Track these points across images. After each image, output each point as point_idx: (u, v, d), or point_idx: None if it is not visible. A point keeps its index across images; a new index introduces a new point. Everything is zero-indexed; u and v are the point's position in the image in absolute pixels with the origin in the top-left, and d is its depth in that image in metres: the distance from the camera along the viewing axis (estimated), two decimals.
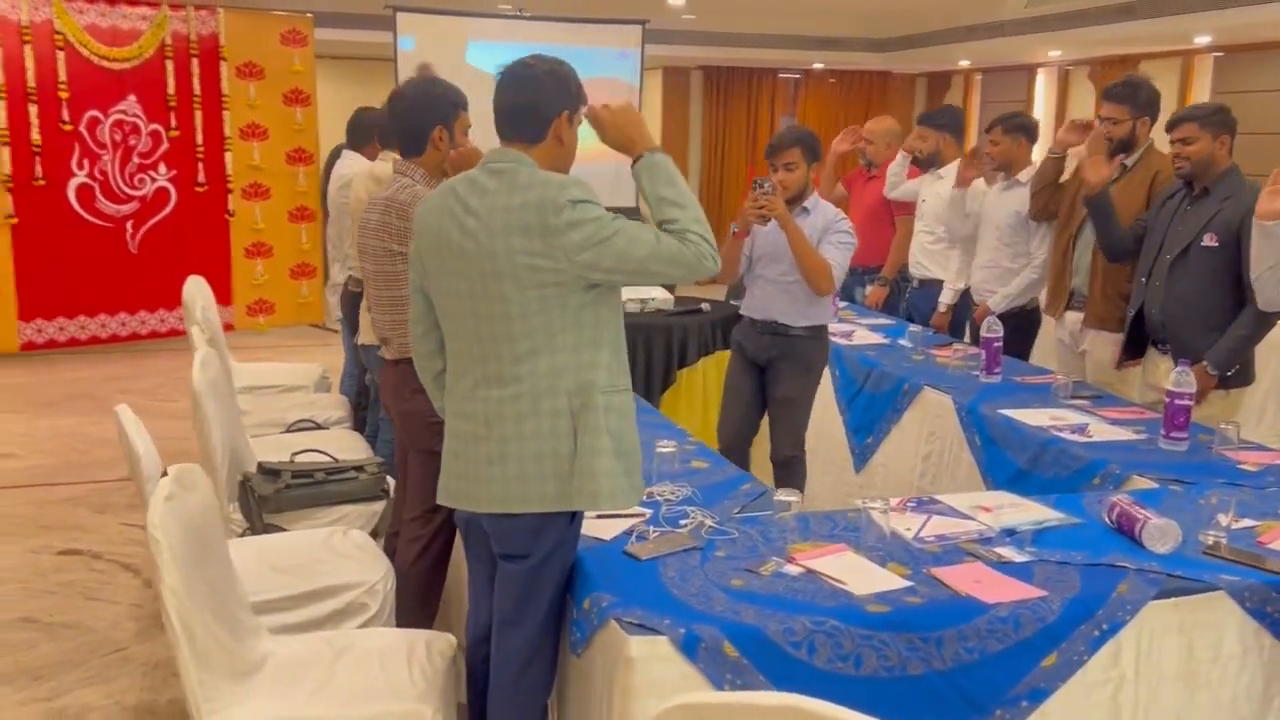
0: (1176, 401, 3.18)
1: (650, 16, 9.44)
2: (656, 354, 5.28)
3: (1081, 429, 3.39)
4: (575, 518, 2.26)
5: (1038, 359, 4.74)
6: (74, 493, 4.96)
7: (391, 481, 3.52)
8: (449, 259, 2.18)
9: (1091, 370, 4.19)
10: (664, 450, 2.97)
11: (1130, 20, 8.31)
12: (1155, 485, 2.90)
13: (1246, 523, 2.58)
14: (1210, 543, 2.42)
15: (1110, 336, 4.06)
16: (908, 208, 5.48)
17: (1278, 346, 4.65)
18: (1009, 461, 3.46)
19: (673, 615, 2.03)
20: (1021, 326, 4.65)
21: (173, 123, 8.00)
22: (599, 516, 2.43)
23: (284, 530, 3.33)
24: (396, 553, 3.07)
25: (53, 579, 4.02)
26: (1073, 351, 4.33)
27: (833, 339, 4.68)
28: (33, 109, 7.44)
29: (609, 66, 9.10)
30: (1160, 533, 2.39)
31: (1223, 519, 2.50)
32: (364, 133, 4.96)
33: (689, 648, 1.97)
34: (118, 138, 7.82)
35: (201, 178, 8.19)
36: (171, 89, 7.94)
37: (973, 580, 2.23)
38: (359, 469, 3.55)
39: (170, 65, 7.92)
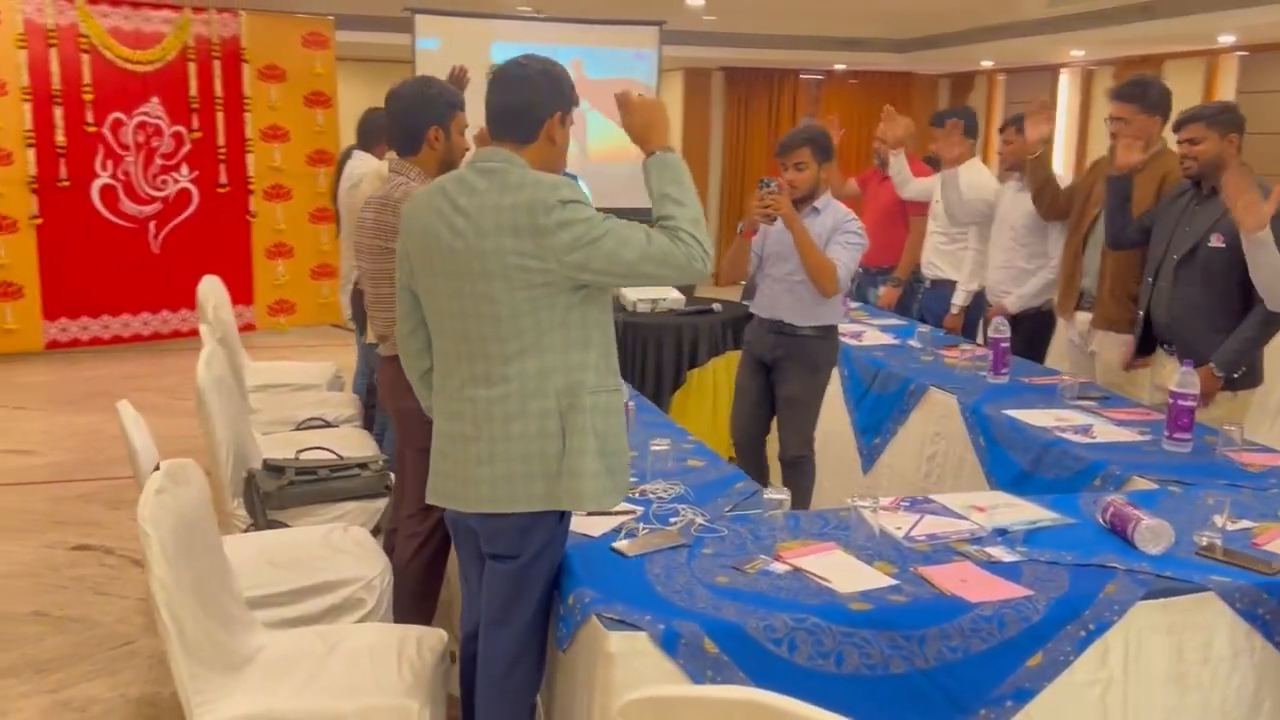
0: (1180, 403, 3.15)
1: (670, 18, 9.45)
2: (667, 354, 5.30)
3: (1085, 430, 3.37)
4: (563, 517, 2.26)
5: (1053, 361, 4.70)
6: (90, 489, 5.03)
7: (395, 479, 3.54)
8: (437, 258, 2.18)
9: (1101, 371, 4.16)
10: (658, 448, 2.98)
11: (1152, 19, 8.22)
12: (1155, 486, 2.87)
13: (1244, 524, 2.56)
14: (1204, 544, 2.40)
15: (1119, 337, 4.02)
16: (922, 208, 5.45)
17: None
18: (1012, 462, 3.44)
19: (654, 611, 2.04)
20: (1037, 328, 4.62)
21: (195, 124, 8.11)
22: (589, 514, 2.44)
23: (286, 526, 3.37)
24: (395, 549, 3.09)
25: (65, 574, 4.08)
26: (1082, 352, 4.30)
27: (842, 339, 4.67)
28: (57, 111, 7.56)
29: (626, 67, 9.13)
30: (1152, 533, 2.37)
31: (1218, 520, 2.48)
32: (373, 133, 5.00)
33: (669, 644, 1.98)
34: (141, 139, 7.92)
35: (223, 179, 8.28)
36: (194, 91, 8.05)
37: (959, 579, 2.23)
38: (362, 466, 3.58)
39: (193, 68, 8.02)
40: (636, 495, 2.68)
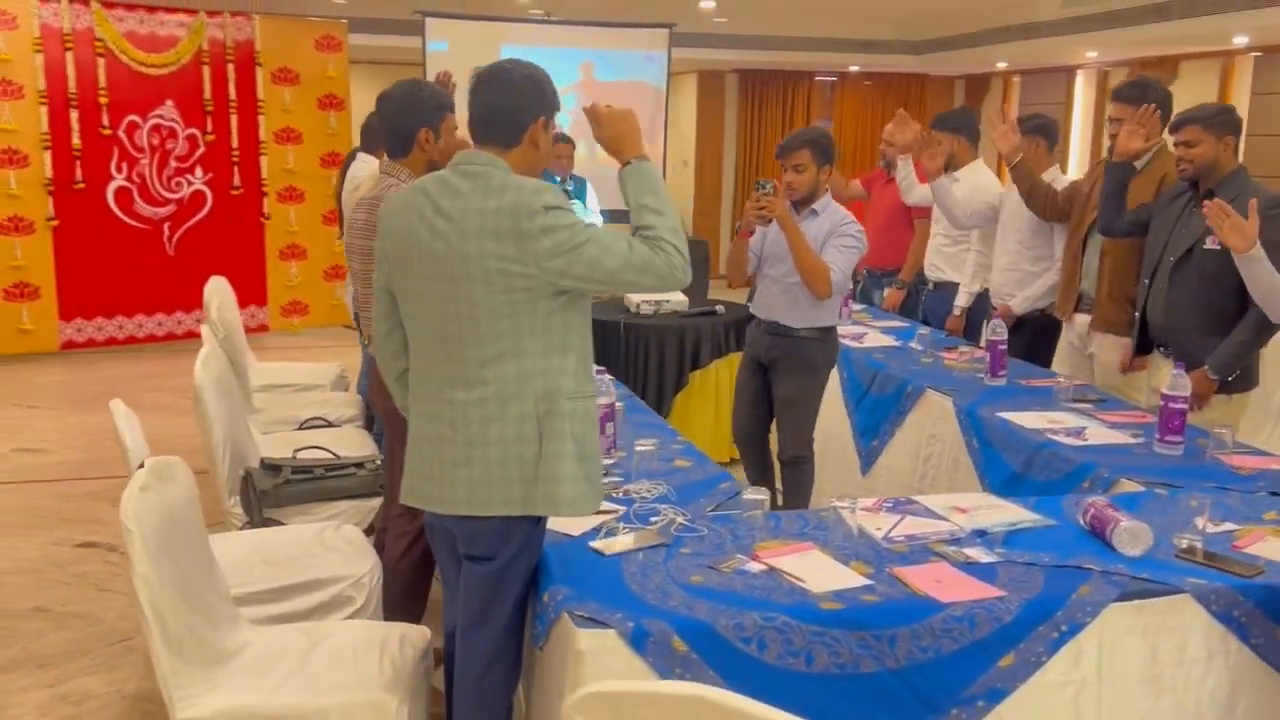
0: (1171, 405, 3.15)
1: (683, 20, 9.47)
2: (670, 355, 5.32)
3: (1078, 432, 3.37)
4: (540, 520, 2.27)
5: (1059, 364, 4.68)
6: (98, 487, 5.09)
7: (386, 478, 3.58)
8: (417, 260, 2.18)
9: (1099, 373, 4.15)
10: (643, 448, 3.00)
11: (1166, 20, 8.18)
12: (1141, 489, 2.87)
13: (1227, 526, 2.55)
14: (1184, 546, 2.39)
15: (1117, 340, 4.02)
16: (926, 210, 5.43)
17: None
18: (1004, 464, 3.44)
19: (625, 609, 2.06)
20: (1042, 331, 4.60)
21: (209, 127, 8.17)
22: None
23: (282, 524, 3.40)
24: (385, 548, 3.12)
25: (69, 570, 4.13)
26: (1081, 354, 4.29)
27: (843, 341, 4.68)
28: (73, 114, 7.65)
29: (636, 69, 9.15)
30: (1130, 535, 2.37)
31: (1199, 522, 2.48)
32: (376, 135, 5.04)
33: (638, 641, 2.00)
34: (155, 142, 8.00)
35: (237, 181, 8.35)
36: (208, 94, 8.11)
37: (933, 580, 2.23)
38: (358, 465, 3.62)
39: (207, 71, 8.09)
40: (620, 495, 2.71)
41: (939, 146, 4.73)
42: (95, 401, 6.68)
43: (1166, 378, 3.22)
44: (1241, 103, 9.31)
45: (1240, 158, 3.76)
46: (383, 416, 3.15)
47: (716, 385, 5.32)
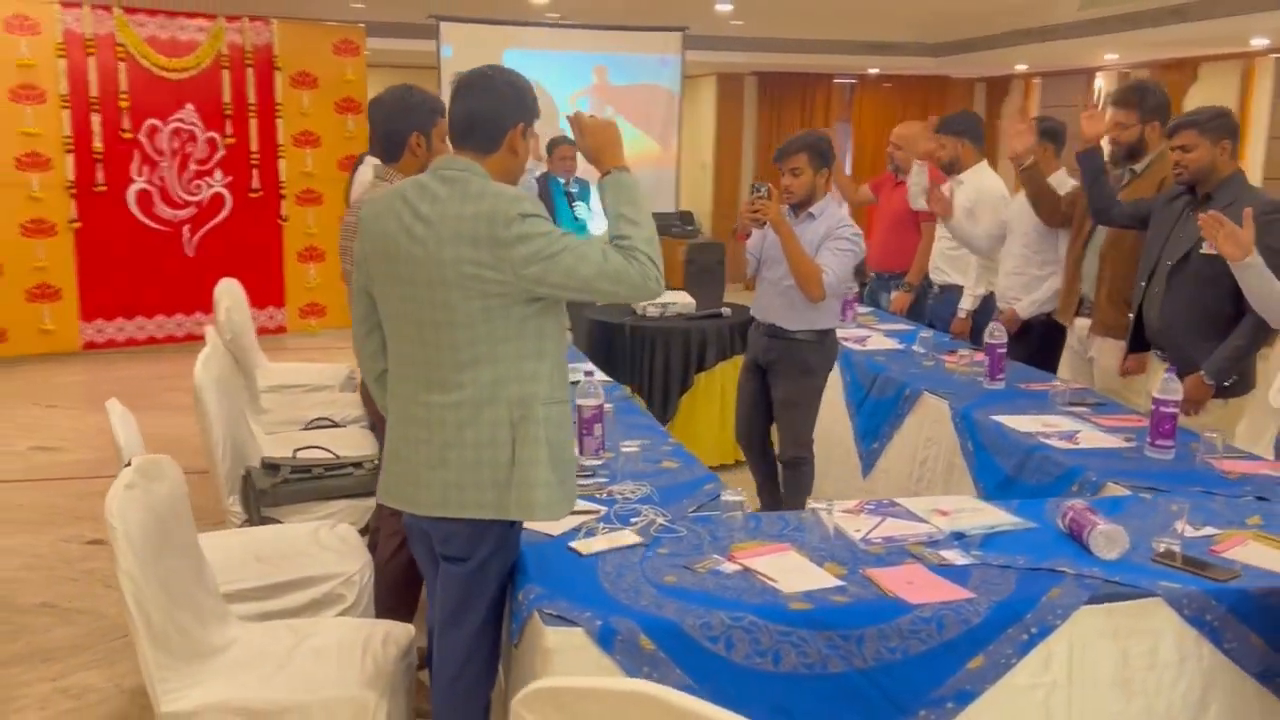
0: (1162, 409, 3.14)
1: (700, 23, 9.49)
2: (675, 358, 5.34)
3: (1070, 436, 3.37)
4: (515, 523, 2.30)
5: (1064, 368, 4.67)
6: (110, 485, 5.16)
7: None
8: (395, 264, 2.21)
9: (1099, 377, 4.15)
10: (632, 450, 3.03)
11: (1184, 22, 8.13)
12: (1128, 493, 2.87)
13: (1208, 530, 2.55)
14: (1161, 550, 2.40)
15: (1116, 344, 4.01)
16: (933, 215, 5.44)
17: None
18: (997, 467, 3.45)
19: (594, 608, 2.09)
20: (1048, 335, 4.59)
21: (228, 130, 8.28)
22: None
23: (279, 522, 3.45)
24: (377, 547, 3.17)
25: (77, 567, 4.21)
26: (1082, 358, 4.28)
27: (845, 344, 4.70)
28: (95, 118, 7.77)
29: (650, 73, 9.18)
30: (1106, 539, 2.38)
31: (1178, 526, 2.48)
32: None
33: (605, 640, 2.03)
34: (175, 145, 8.11)
35: (256, 184, 8.45)
36: (227, 98, 8.22)
37: (905, 581, 2.25)
38: (356, 465, 3.67)
39: (226, 75, 8.20)
40: (603, 495, 2.74)
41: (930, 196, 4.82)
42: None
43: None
44: (1262, 105, 9.24)
45: (1254, 161, 3.75)
46: (375, 416, 3.19)
47: (722, 387, 5.34)
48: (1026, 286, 4.55)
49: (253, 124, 8.36)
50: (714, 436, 5.36)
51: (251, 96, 8.32)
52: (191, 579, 2.50)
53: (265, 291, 8.56)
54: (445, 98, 2.47)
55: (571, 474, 2.30)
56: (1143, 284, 3.73)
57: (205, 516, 4.10)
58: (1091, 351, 4.18)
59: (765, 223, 3.74)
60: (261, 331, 8.36)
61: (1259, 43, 8.56)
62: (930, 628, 2.12)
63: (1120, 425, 3.47)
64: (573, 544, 2.41)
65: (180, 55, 8.04)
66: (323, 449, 3.78)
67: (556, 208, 5.82)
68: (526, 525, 2.40)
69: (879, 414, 4.35)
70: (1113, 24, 8.87)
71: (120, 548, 2.21)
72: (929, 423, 3.95)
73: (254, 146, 8.39)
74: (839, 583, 2.24)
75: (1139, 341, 3.79)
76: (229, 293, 4.93)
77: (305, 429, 4.52)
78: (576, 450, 2.99)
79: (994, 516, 2.63)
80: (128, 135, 7.90)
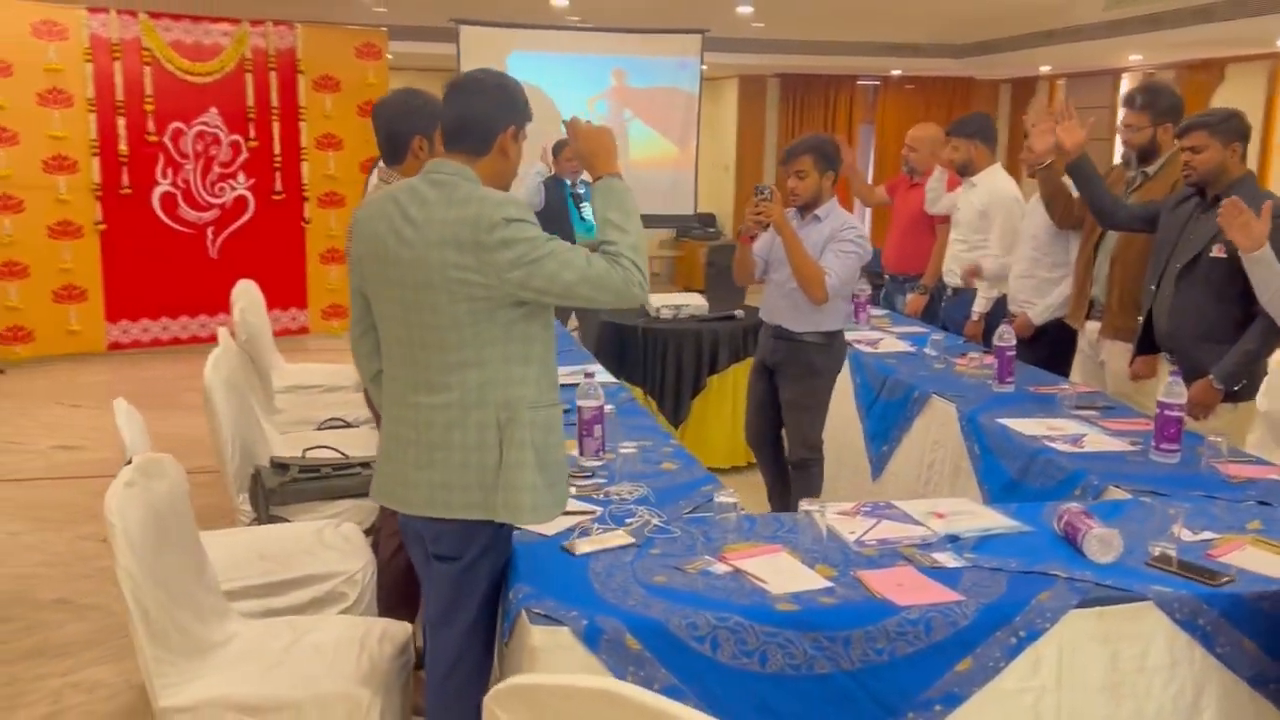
0: (1167, 413, 3.12)
1: (721, 25, 9.49)
2: (687, 360, 5.36)
3: (1076, 439, 3.34)
4: (505, 524, 2.31)
5: (1077, 372, 4.65)
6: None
7: None
8: (385, 266, 2.24)
9: (1110, 380, 4.12)
10: (633, 451, 3.04)
11: (1208, 23, 8.06)
12: (1129, 496, 2.85)
13: (1207, 535, 2.53)
14: (1156, 554, 2.38)
15: (1127, 347, 3.97)
16: (948, 217, 5.42)
17: None
18: (1002, 471, 3.43)
19: (581, 607, 2.10)
20: (1061, 339, 4.56)
21: (252, 133, 8.37)
22: None
23: (287, 521, 3.49)
24: (379, 546, 3.20)
25: (92, 564, 4.27)
26: (1094, 361, 4.26)
27: (857, 346, 4.70)
28: (120, 121, 7.88)
29: (668, 75, 9.19)
30: (1100, 542, 2.37)
31: (1175, 530, 2.46)
32: None
33: (591, 639, 2.04)
34: (199, 148, 8.21)
35: (279, 186, 8.54)
36: (251, 101, 8.31)
37: (895, 583, 2.25)
38: (365, 465, 3.69)
39: (250, 78, 8.29)
40: (600, 496, 2.75)
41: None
42: (136, 400, 6.77)
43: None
44: None
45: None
46: (375, 418, 3.23)
47: (734, 390, 5.35)
48: (1036, 289, 4.52)
49: (276, 127, 8.45)
50: (726, 438, 5.37)
51: (275, 100, 8.41)
52: (191, 576, 2.54)
53: (288, 293, 8.65)
54: None
55: (562, 478, 2.32)
56: (1152, 287, 3.70)
57: (218, 515, 4.17)
58: (1102, 355, 4.16)
59: (769, 225, 3.75)
60: (284, 333, 8.49)
61: None
62: (918, 630, 2.12)
63: (1127, 429, 3.45)
64: (566, 544, 2.43)
65: (205, 59, 8.13)
66: (331, 449, 3.82)
67: (565, 209, 5.85)
68: (532, 524, 2.42)
69: (888, 417, 4.34)
70: (1137, 25, 8.81)
71: (119, 545, 2.25)
72: (936, 426, 3.94)
73: (277, 149, 8.48)
74: (828, 584, 2.24)
75: (1149, 346, 3.77)
76: (245, 294, 5.00)
77: (318, 429, 4.57)
78: (577, 452, 3.03)
79: (990, 519, 2.63)
80: (153, 138, 8.01)
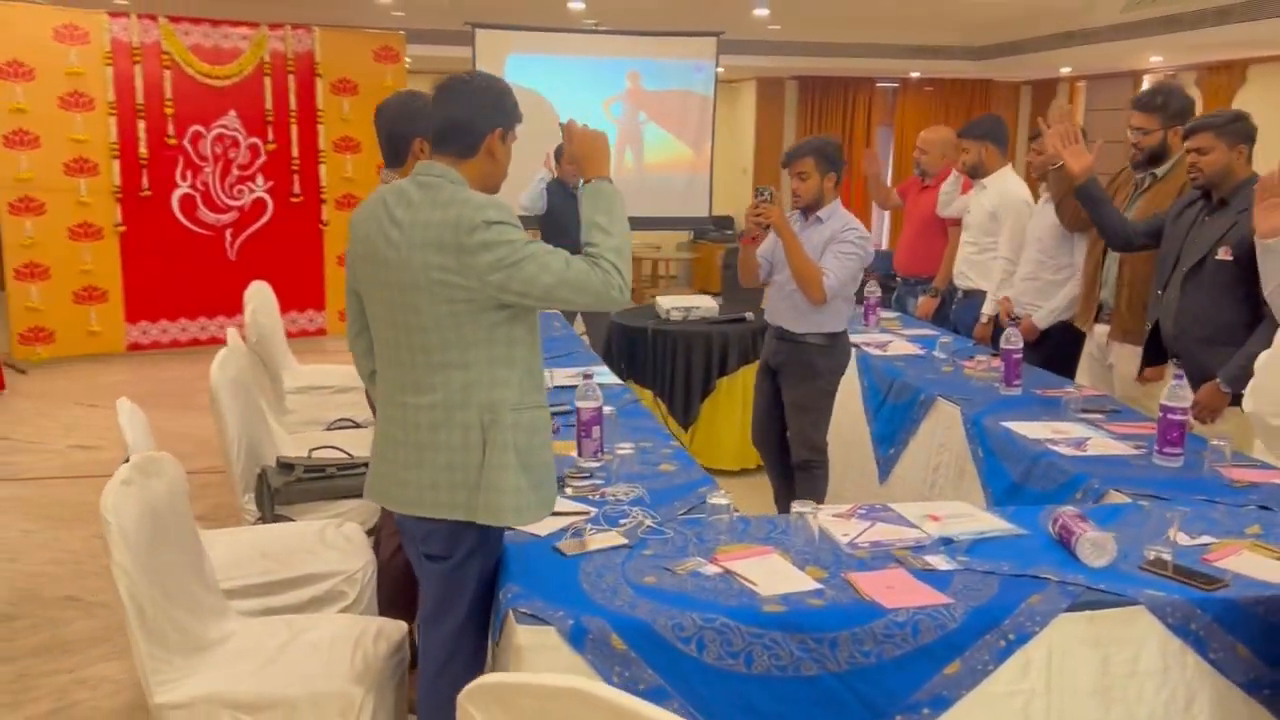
0: (1170, 416, 3.10)
1: (738, 28, 9.49)
2: (697, 362, 5.36)
3: (1080, 443, 3.33)
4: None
5: (1082, 374, 4.62)
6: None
7: None
8: (374, 267, 2.27)
9: (1119, 384, 4.09)
10: (632, 452, 3.05)
11: (1228, 24, 7.99)
12: (1129, 500, 2.83)
13: (1205, 539, 2.52)
14: (1151, 558, 2.37)
15: (1136, 350, 3.95)
16: (961, 219, 5.41)
17: None
18: (1005, 474, 3.42)
19: (568, 607, 2.11)
20: (1064, 342, 4.54)
21: (270, 136, 8.43)
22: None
23: (291, 520, 3.52)
24: (380, 545, 3.22)
25: (102, 562, 4.25)
26: (1102, 364, 4.23)
27: (866, 348, 4.69)
28: (141, 124, 7.96)
29: (683, 78, 9.19)
30: (1094, 546, 2.35)
31: (1171, 534, 2.45)
32: None
33: (576, 639, 2.05)
34: (218, 151, 8.28)
35: (297, 189, 8.60)
36: (269, 104, 8.38)
37: (884, 586, 2.24)
38: (368, 465, 3.71)
39: (268, 82, 8.35)
40: (596, 497, 2.76)
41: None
42: (154, 400, 6.92)
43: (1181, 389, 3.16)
44: None
45: None
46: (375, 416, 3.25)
47: (744, 392, 5.34)
48: (1041, 292, 4.50)
49: (294, 130, 8.51)
50: (736, 440, 5.37)
51: (293, 103, 8.48)
52: (189, 574, 2.56)
53: (305, 294, 8.72)
54: None
55: (548, 480, 2.33)
56: (1159, 292, 3.68)
57: (227, 514, 4.20)
58: (1111, 358, 4.13)
59: (769, 226, 3.76)
60: (302, 334, 8.56)
61: None
62: (905, 632, 2.12)
63: (1132, 432, 3.43)
64: (558, 544, 2.44)
65: (224, 63, 8.20)
66: (337, 449, 3.85)
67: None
68: (514, 525, 2.43)
69: (895, 419, 4.33)
70: (1156, 26, 8.74)
71: (114, 541, 2.28)
72: (942, 429, 3.93)
73: (295, 152, 8.54)
74: (817, 586, 2.24)
75: (1156, 351, 3.74)
76: (257, 295, 5.04)
77: (327, 429, 4.60)
78: (575, 453, 3.04)
79: (986, 523, 2.62)
80: (172, 141, 8.08)
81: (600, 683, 1.47)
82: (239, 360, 3.83)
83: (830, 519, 2.61)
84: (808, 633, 2.10)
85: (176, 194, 8.17)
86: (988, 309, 5.01)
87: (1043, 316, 4.52)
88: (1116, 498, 2.88)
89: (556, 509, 2.55)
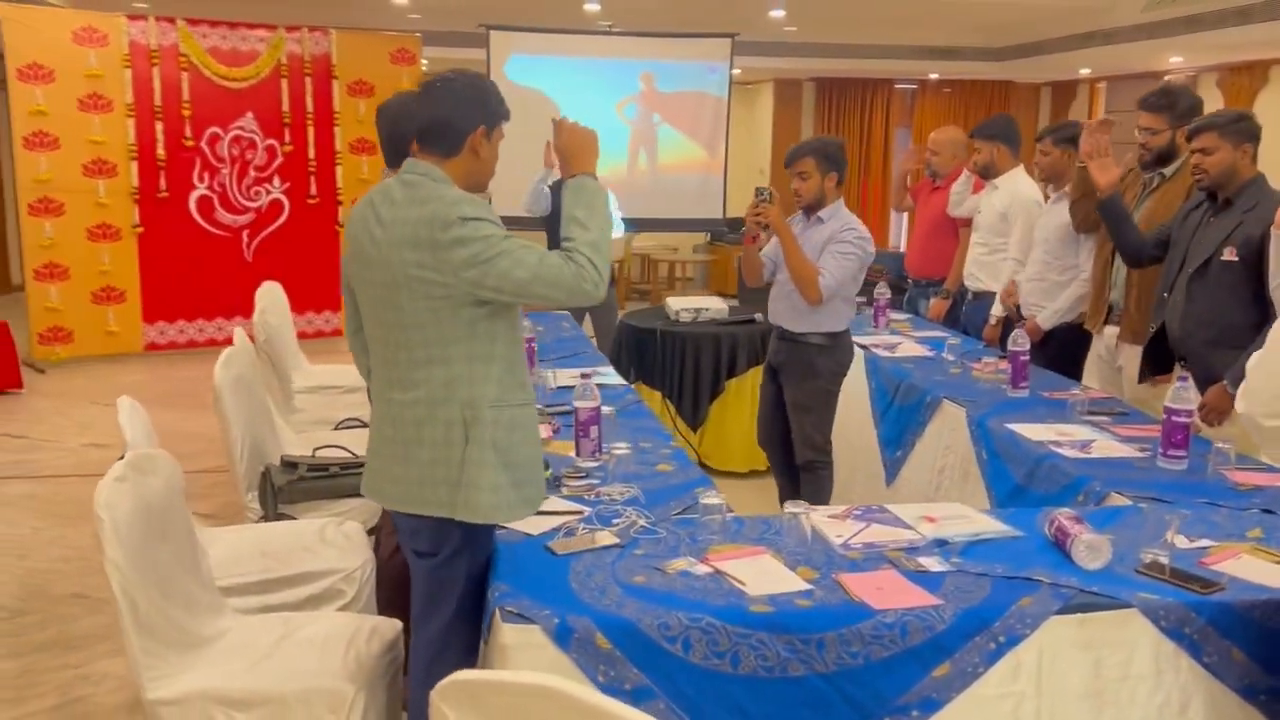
0: (1174, 418, 3.07)
1: (754, 29, 9.47)
2: (706, 363, 5.35)
3: (1084, 445, 3.30)
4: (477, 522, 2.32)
5: (1088, 376, 4.59)
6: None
7: None
8: (361, 266, 2.30)
9: (1128, 385, 4.06)
10: (630, 452, 3.04)
11: (1248, 24, 7.91)
12: (1130, 503, 2.81)
13: (1204, 542, 2.49)
14: (1148, 561, 2.34)
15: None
16: (969, 220, 5.38)
17: None
18: (1009, 476, 3.39)
19: (554, 606, 2.10)
20: (1070, 343, 4.50)
21: (287, 138, 8.49)
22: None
23: (294, 519, 3.53)
24: (380, 543, 3.23)
25: None
26: (1111, 366, 4.20)
27: (875, 350, 4.68)
28: (158, 126, 8.03)
29: (697, 80, 9.17)
30: (1089, 549, 2.33)
31: (1169, 537, 2.42)
32: None
33: (561, 638, 2.04)
34: (235, 153, 8.34)
35: (313, 190, 8.65)
36: (286, 106, 8.44)
37: (874, 587, 2.23)
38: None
39: (285, 84, 8.41)
40: (591, 497, 2.75)
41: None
42: (169, 400, 7.00)
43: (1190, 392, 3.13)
44: None
45: None
46: None
47: (752, 393, 5.31)
48: (1046, 293, 4.47)
49: (310, 132, 8.57)
50: (744, 442, 5.35)
51: (309, 105, 8.53)
52: (184, 571, 2.57)
53: (321, 295, 8.75)
54: None
55: (532, 478, 2.33)
56: (1165, 294, 3.64)
57: (234, 512, 4.22)
58: (1120, 360, 4.10)
59: (768, 226, 3.76)
60: (317, 335, 8.61)
61: None
62: (893, 633, 2.10)
63: (1137, 435, 3.40)
64: (550, 544, 2.44)
65: (241, 65, 8.26)
66: (342, 448, 3.86)
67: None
68: (508, 524, 2.44)
69: (902, 422, 4.30)
70: (1177, 26, 8.67)
71: (107, 537, 2.29)
72: (948, 431, 3.91)
73: (311, 154, 8.60)
74: (806, 586, 2.22)
75: (1158, 354, 3.70)
76: (267, 295, 5.07)
77: (335, 429, 4.62)
78: (574, 452, 3.03)
79: (982, 524, 2.60)
80: (189, 143, 8.15)
81: (572, 682, 1.45)
82: (244, 359, 3.85)
83: (825, 520, 2.60)
84: (794, 633, 2.09)
85: (194, 195, 8.24)
86: (996, 310, 4.98)
87: (1047, 317, 4.49)
88: (1118, 500, 2.85)
89: (550, 508, 2.57)
